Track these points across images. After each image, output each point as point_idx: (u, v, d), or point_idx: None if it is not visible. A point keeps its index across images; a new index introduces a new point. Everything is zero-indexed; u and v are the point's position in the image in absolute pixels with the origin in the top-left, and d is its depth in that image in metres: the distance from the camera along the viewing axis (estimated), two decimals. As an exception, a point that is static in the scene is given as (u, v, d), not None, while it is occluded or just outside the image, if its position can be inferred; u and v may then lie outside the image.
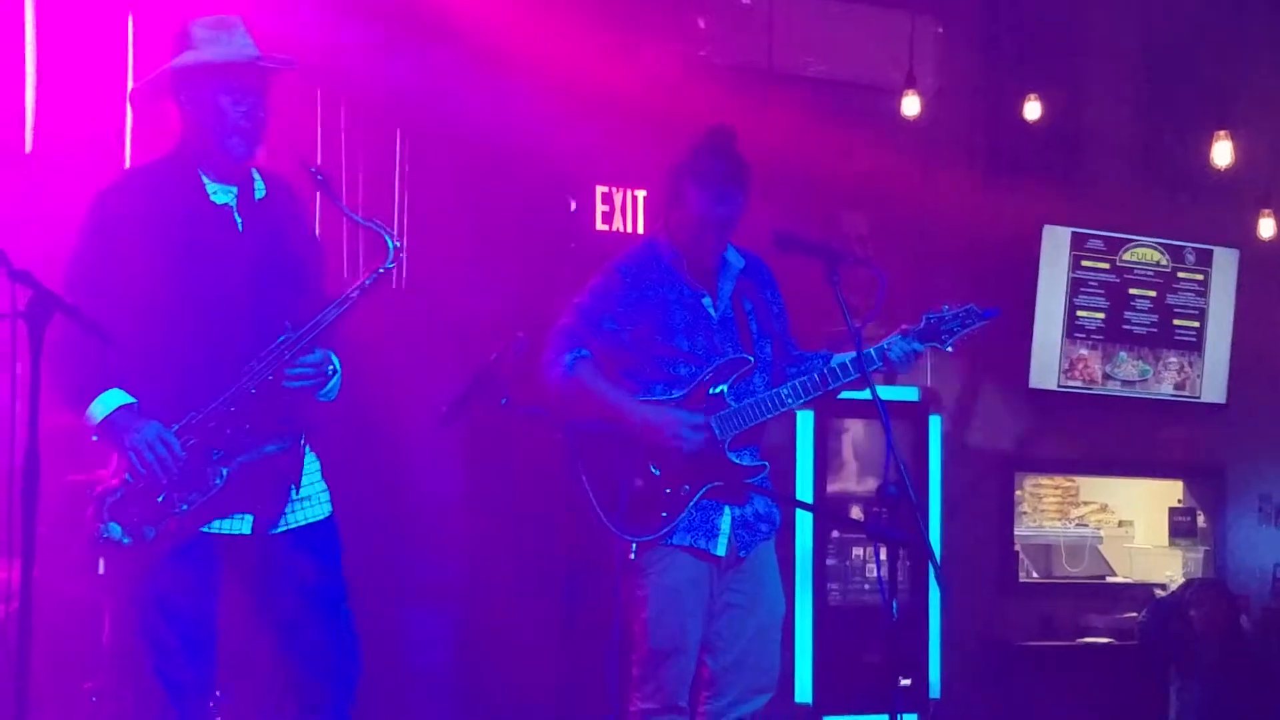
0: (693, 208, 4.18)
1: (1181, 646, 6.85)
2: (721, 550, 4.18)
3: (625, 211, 6.72)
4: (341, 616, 3.70)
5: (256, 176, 3.67)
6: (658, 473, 4.12)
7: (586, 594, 3.68)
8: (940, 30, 6.98)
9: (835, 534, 6.87)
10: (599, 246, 6.47)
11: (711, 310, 4.27)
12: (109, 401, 3.43)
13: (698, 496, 4.13)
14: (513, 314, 5.79)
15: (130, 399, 3.45)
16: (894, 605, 4.18)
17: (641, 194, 6.70)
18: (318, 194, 3.75)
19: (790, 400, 4.20)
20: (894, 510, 3.91)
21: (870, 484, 6.67)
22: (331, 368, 3.63)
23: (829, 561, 6.86)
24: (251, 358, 3.50)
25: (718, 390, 4.20)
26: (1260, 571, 7.68)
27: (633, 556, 4.08)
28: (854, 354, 4.13)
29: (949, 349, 4.28)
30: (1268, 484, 7.84)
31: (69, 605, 4.88)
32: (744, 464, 4.21)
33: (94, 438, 3.45)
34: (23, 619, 3.14)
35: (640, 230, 6.61)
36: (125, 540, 3.42)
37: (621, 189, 6.69)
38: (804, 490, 6.51)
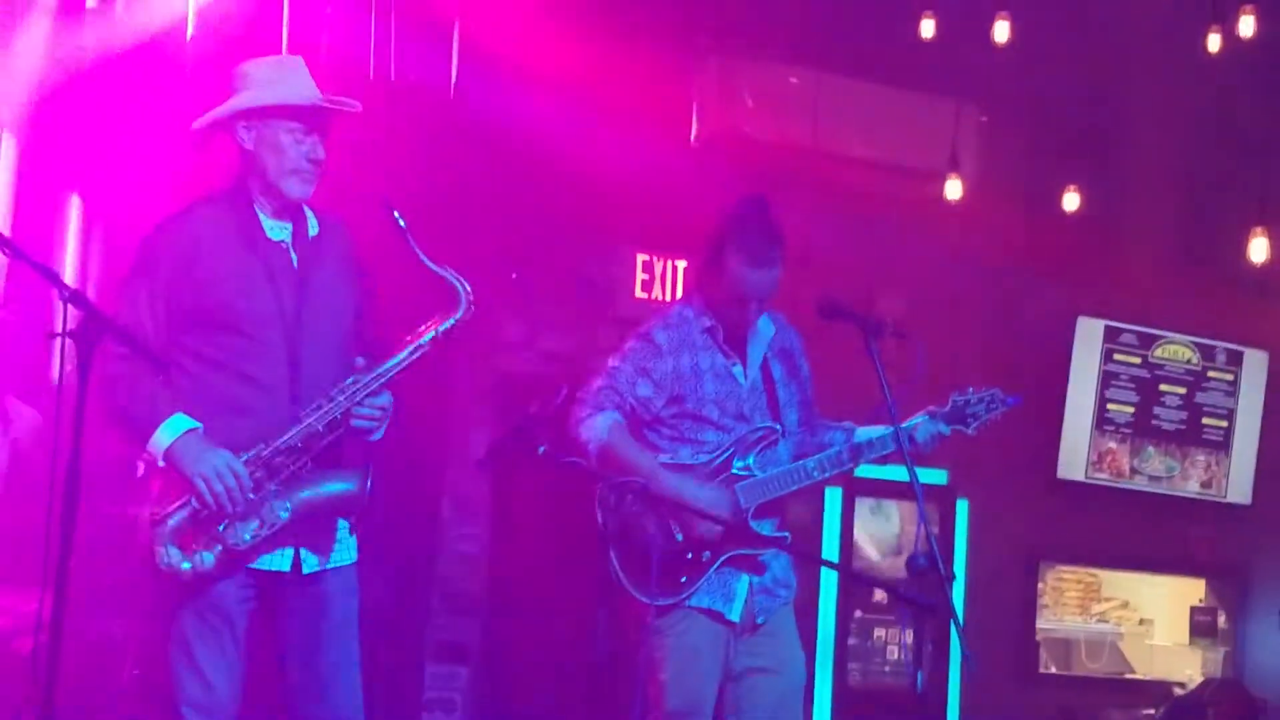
0: (734, 279, 4.21)
1: (1200, 746, 6.81)
2: (736, 616, 4.18)
3: (665, 280, 6.79)
4: (353, 663, 3.69)
5: (309, 214, 3.72)
6: (680, 537, 4.13)
7: (616, 649, 3.68)
8: (984, 119, 7.05)
9: (858, 614, 6.87)
10: (637, 314, 6.54)
11: (742, 379, 4.30)
12: (175, 426, 3.43)
13: (718, 564, 4.15)
14: (549, 375, 5.84)
15: (196, 424, 3.45)
16: (919, 676, 4.20)
17: (682, 264, 6.77)
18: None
19: (816, 474, 4.22)
20: (922, 581, 3.92)
21: (894, 564, 6.68)
22: (390, 412, 3.65)
23: (850, 641, 6.84)
24: (314, 395, 3.53)
25: (743, 463, 4.22)
26: (1278, 675, 7.62)
27: (651, 621, 4.08)
28: (881, 430, 4.16)
29: (972, 432, 4.31)
30: (1291, 588, 7.80)
31: (95, 641, 4.91)
32: (766, 534, 4.22)
33: (160, 463, 3.42)
34: (52, 652, 3.13)
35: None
36: (184, 566, 3.41)
37: (662, 258, 6.76)
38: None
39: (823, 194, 6.59)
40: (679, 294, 6.70)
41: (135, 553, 3.50)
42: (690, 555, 4.13)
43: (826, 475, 4.24)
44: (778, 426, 4.29)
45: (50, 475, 3.18)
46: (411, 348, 3.59)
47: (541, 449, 3.64)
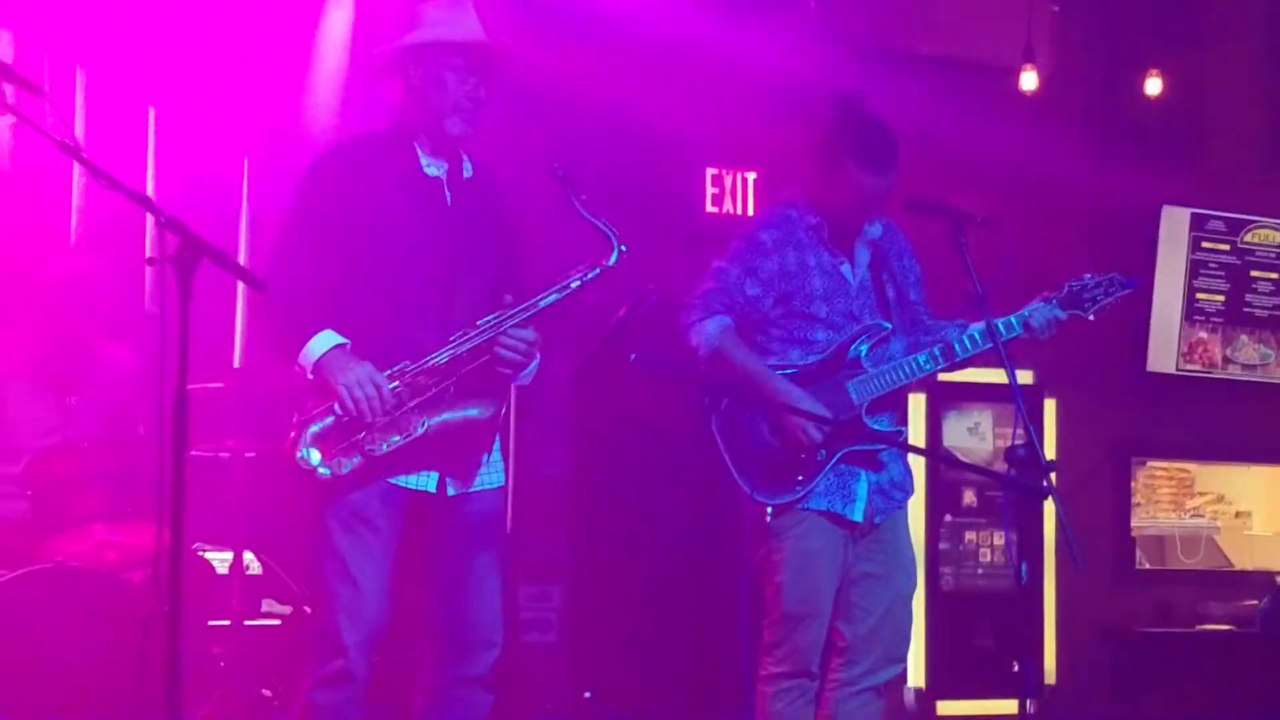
0: (854, 187, 4.15)
1: (1305, 634, 6.75)
2: (859, 516, 4.16)
3: (735, 194, 6.73)
4: (498, 583, 3.79)
5: (465, 157, 3.82)
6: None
7: (719, 556, 3.67)
8: (1056, 9, 6.91)
9: (948, 518, 6.84)
10: (709, 228, 6.49)
11: (850, 277, 4.25)
12: (324, 341, 3.56)
13: (834, 460, 4.12)
14: (622, 291, 5.82)
15: (343, 340, 3.58)
16: (1023, 569, 4.16)
17: (751, 176, 6.71)
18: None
19: (928, 366, 4.19)
20: (1023, 470, 3.88)
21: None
22: (537, 350, 3.72)
23: (942, 546, 6.82)
24: (459, 324, 3.63)
25: (854, 355, 4.18)
26: (1385, 558, 7.54)
27: (769, 519, 4.09)
28: (1004, 319, 4.12)
29: (1091, 317, 4.25)
30: (1390, 470, 7.68)
31: (200, 572, 4.99)
32: (881, 429, 4.19)
33: (310, 376, 3.55)
34: (173, 584, 3.16)
35: (751, 213, 6.60)
36: (323, 469, 3.52)
37: (731, 171, 6.70)
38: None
39: (897, 93, 6.48)
40: (750, 207, 6.65)
41: (279, 460, 3.60)
42: (804, 455, 4.11)
43: (939, 368, 4.21)
44: (888, 324, 4.24)
45: (158, 406, 3.21)
46: (559, 287, 3.68)
47: (633, 356, 3.63)
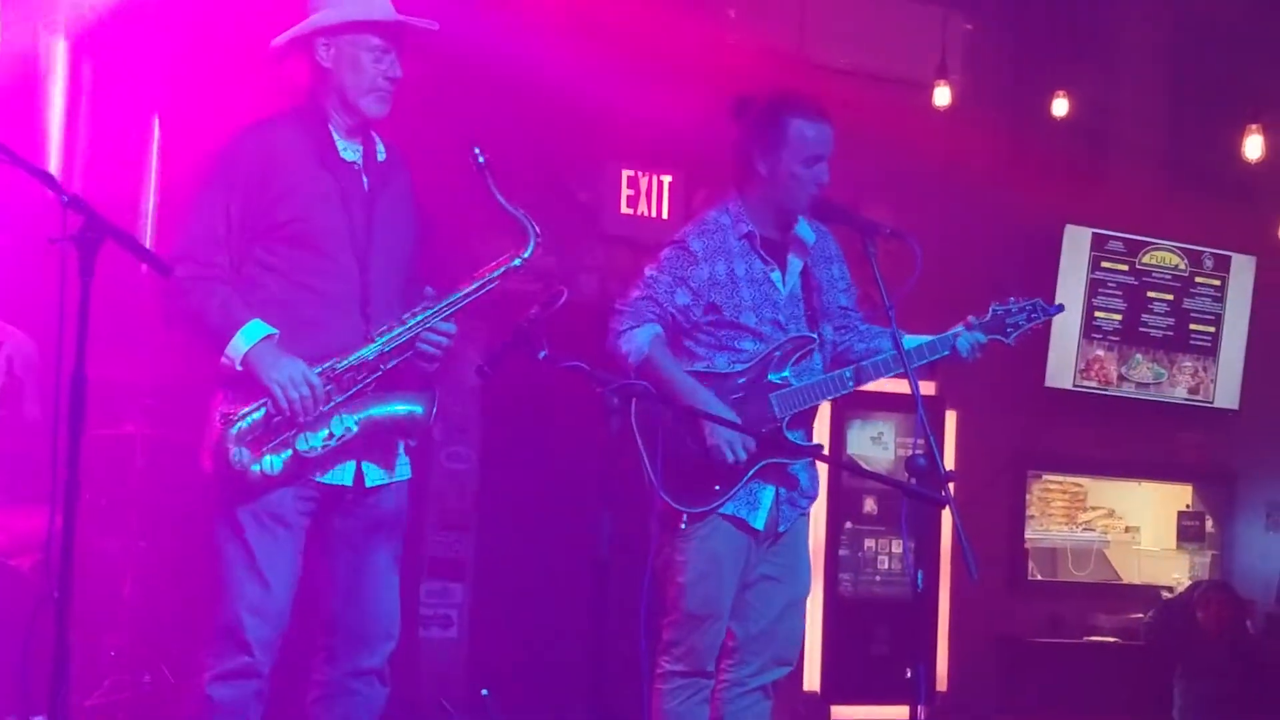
0: (801, 140, 4.15)
1: (1187, 646, 6.88)
2: (760, 524, 4.18)
3: (650, 196, 6.75)
4: (396, 576, 3.75)
5: (377, 138, 3.75)
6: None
7: (621, 555, 3.68)
8: (969, 28, 7.01)
9: (848, 525, 6.91)
10: (623, 230, 6.52)
11: (780, 285, 4.25)
12: (253, 332, 3.47)
13: (752, 473, 4.14)
14: (537, 295, 5.81)
15: (272, 330, 3.50)
16: (919, 576, 4.21)
17: (667, 179, 6.73)
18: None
19: (852, 383, 4.21)
20: (922, 480, 3.93)
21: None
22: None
23: (841, 552, 6.89)
24: (382, 316, 3.58)
25: (780, 374, 4.20)
26: (1266, 578, 7.72)
27: (684, 526, 4.09)
28: (921, 339, 4.16)
29: (1011, 342, 4.32)
30: (1277, 491, 7.87)
31: (94, 560, 4.92)
32: (800, 443, 4.22)
33: (238, 368, 3.46)
34: (64, 569, 3.12)
35: (665, 215, 6.62)
36: (254, 468, 3.45)
37: (647, 174, 6.72)
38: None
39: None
40: (665, 211, 6.67)
41: (203, 452, 3.52)
42: (725, 466, 4.12)
43: (864, 384, 4.23)
44: (814, 336, 4.25)
45: (55, 390, 3.16)
46: (481, 281, 3.64)
47: (542, 354, 3.62)
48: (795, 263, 4.29)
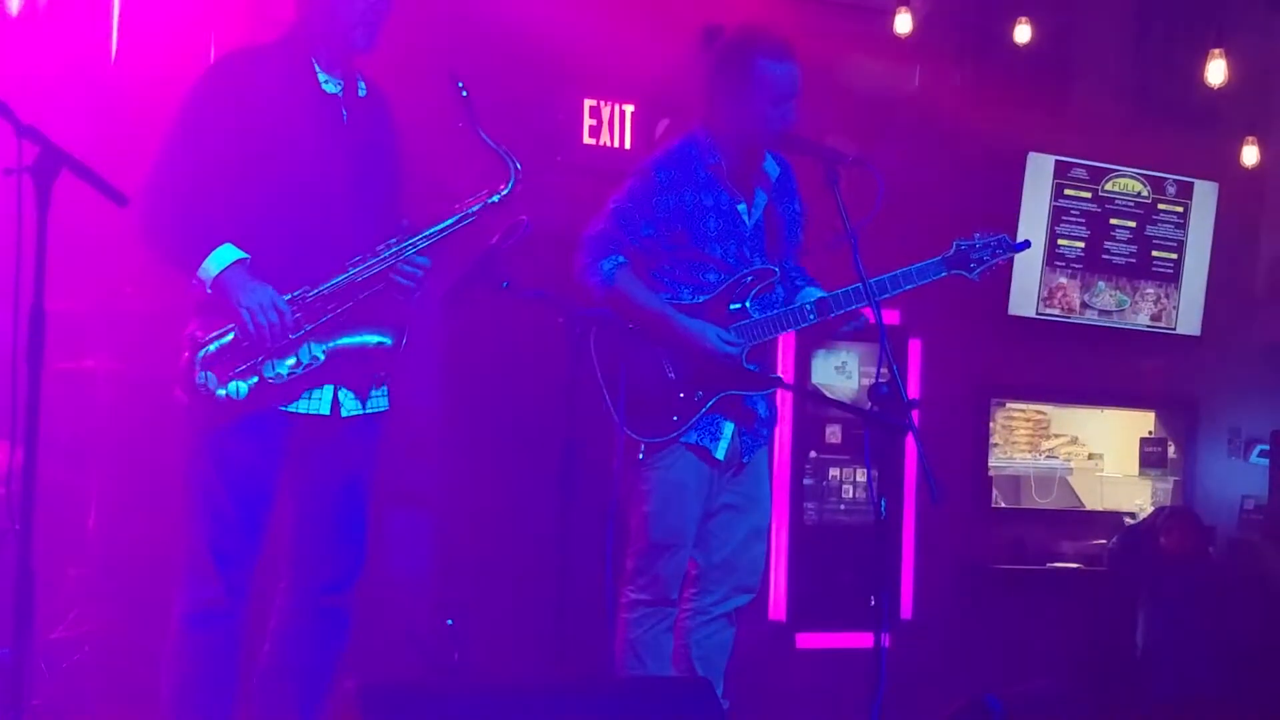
0: (768, 79, 4.14)
1: (1150, 572, 6.95)
2: (721, 455, 4.20)
3: (613, 126, 6.70)
4: (365, 506, 3.76)
5: (359, 74, 3.75)
6: (673, 376, 4.14)
7: (586, 484, 3.70)
8: (932, -49, 6.96)
9: (812, 454, 6.93)
10: (585, 160, 6.48)
11: (745, 218, 4.26)
12: (224, 256, 3.47)
13: (710, 404, 4.15)
14: (500, 220, 5.78)
15: (244, 254, 3.50)
16: (883, 504, 4.26)
17: (629, 109, 6.68)
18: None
19: (812, 316, 4.22)
20: (885, 408, 3.95)
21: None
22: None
23: (806, 481, 6.91)
24: (356, 247, 3.58)
25: (739, 305, 4.21)
26: (1228, 503, 7.79)
27: (641, 456, 4.11)
28: (888, 275, 4.18)
29: (975, 278, 4.33)
30: (1238, 417, 7.93)
31: (56, 492, 4.89)
32: (760, 374, 4.23)
33: (208, 290, 3.47)
34: (25, 503, 3.11)
35: (628, 145, 6.59)
36: (219, 392, 3.46)
37: (610, 103, 6.67)
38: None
39: (775, 30, 6.49)
40: (628, 140, 6.63)
41: (174, 374, 3.53)
42: (683, 394, 4.14)
43: (825, 318, 4.23)
44: (776, 269, 4.27)
45: (14, 324, 3.14)
46: (458, 215, 3.66)
47: (505, 284, 3.62)
48: (760, 196, 4.29)
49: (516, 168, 3.68)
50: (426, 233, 3.63)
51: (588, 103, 6.63)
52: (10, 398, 3.18)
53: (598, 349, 4.08)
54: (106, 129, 4.82)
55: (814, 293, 4.28)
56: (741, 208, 4.25)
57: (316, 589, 3.68)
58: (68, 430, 4.89)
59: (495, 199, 3.68)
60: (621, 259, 4.17)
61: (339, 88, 3.68)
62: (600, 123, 6.67)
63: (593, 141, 6.62)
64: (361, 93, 3.74)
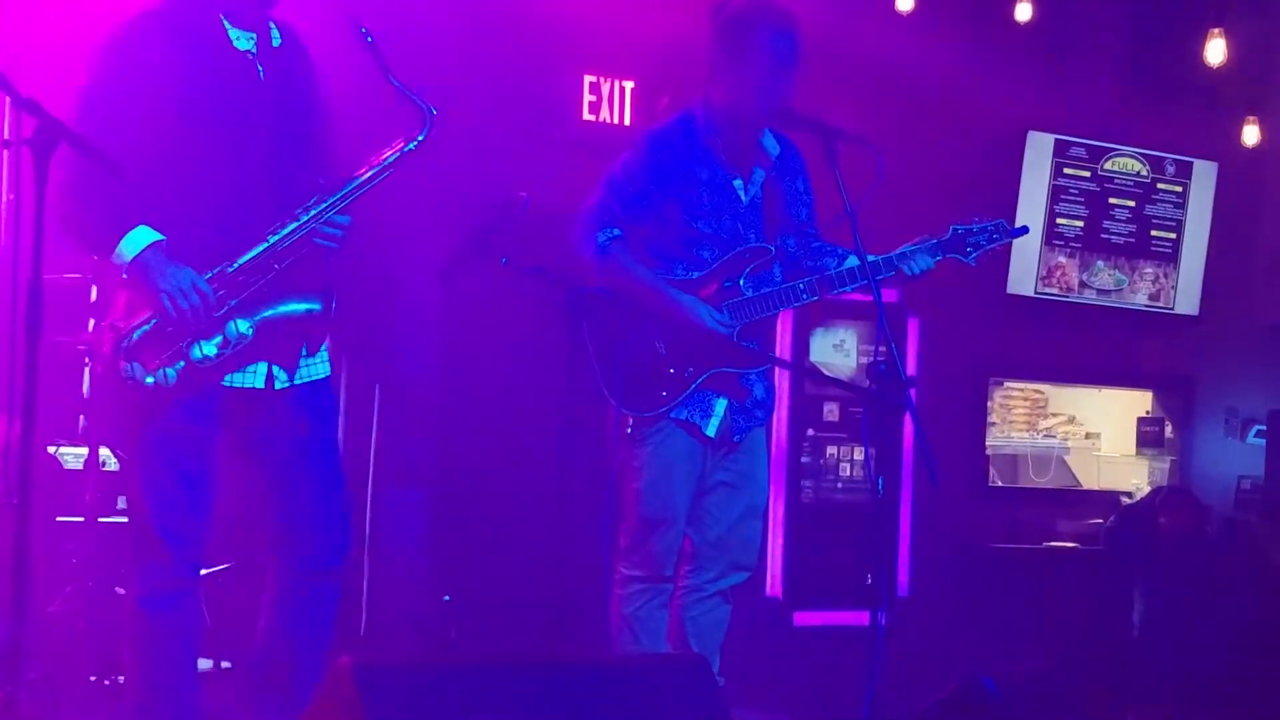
0: (769, 49, 4.13)
1: (1147, 552, 6.95)
2: (712, 432, 4.20)
3: (612, 102, 6.69)
4: (336, 474, 3.70)
5: (272, 25, 3.60)
6: (664, 351, 4.13)
7: (583, 461, 3.70)
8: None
9: (810, 432, 6.93)
10: (585, 136, 6.46)
11: (741, 194, 4.24)
12: (139, 239, 3.36)
13: (700, 380, 4.15)
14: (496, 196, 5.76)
15: (159, 235, 3.38)
16: (880, 482, 4.26)
17: (629, 85, 6.67)
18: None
19: (805, 295, 4.22)
20: (883, 385, 3.94)
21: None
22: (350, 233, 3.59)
23: (803, 459, 6.92)
24: (279, 212, 3.46)
25: (733, 282, 4.19)
26: (1225, 482, 7.78)
27: (629, 430, 4.11)
28: (883, 257, 4.17)
29: (972, 263, 4.32)
30: (1235, 397, 7.92)
31: (54, 467, 4.90)
32: (752, 352, 4.22)
33: (123, 275, 3.37)
34: (23, 476, 3.10)
35: (628, 122, 6.58)
36: (147, 380, 3.37)
37: (609, 79, 6.66)
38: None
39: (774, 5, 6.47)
40: (628, 117, 6.62)
41: (96, 367, 3.45)
42: (673, 370, 4.13)
43: (817, 298, 4.23)
44: (771, 247, 4.25)
45: (12, 297, 3.12)
46: (375, 169, 3.53)
47: (504, 260, 3.61)
48: (758, 173, 4.28)
49: (431, 112, 3.52)
50: (342, 190, 3.49)
51: (588, 79, 6.61)
52: (9, 371, 3.16)
53: (591, 324, 4.08)
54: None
55: (832, 264, 4.27)
56: (737, 183, 4.24)
57: (299, 564, 3.62)
58: (65, 403, 4.90)
59: (411, 146, 3.52)
60: (616, 232, 4.16)
61: (252, 42, 3.53)
62: (600, 99, 6.66)
63: (592, 118, 6.61)
64: (276, 42, 3.58)
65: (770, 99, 4.16)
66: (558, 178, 5.82)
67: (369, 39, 3.47)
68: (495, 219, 3.62)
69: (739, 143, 4.24)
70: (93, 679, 4.69)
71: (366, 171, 3.52)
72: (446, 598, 5.62)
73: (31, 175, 3.03)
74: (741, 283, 4.20)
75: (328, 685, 3.00)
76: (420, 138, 3.54)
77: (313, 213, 3.48)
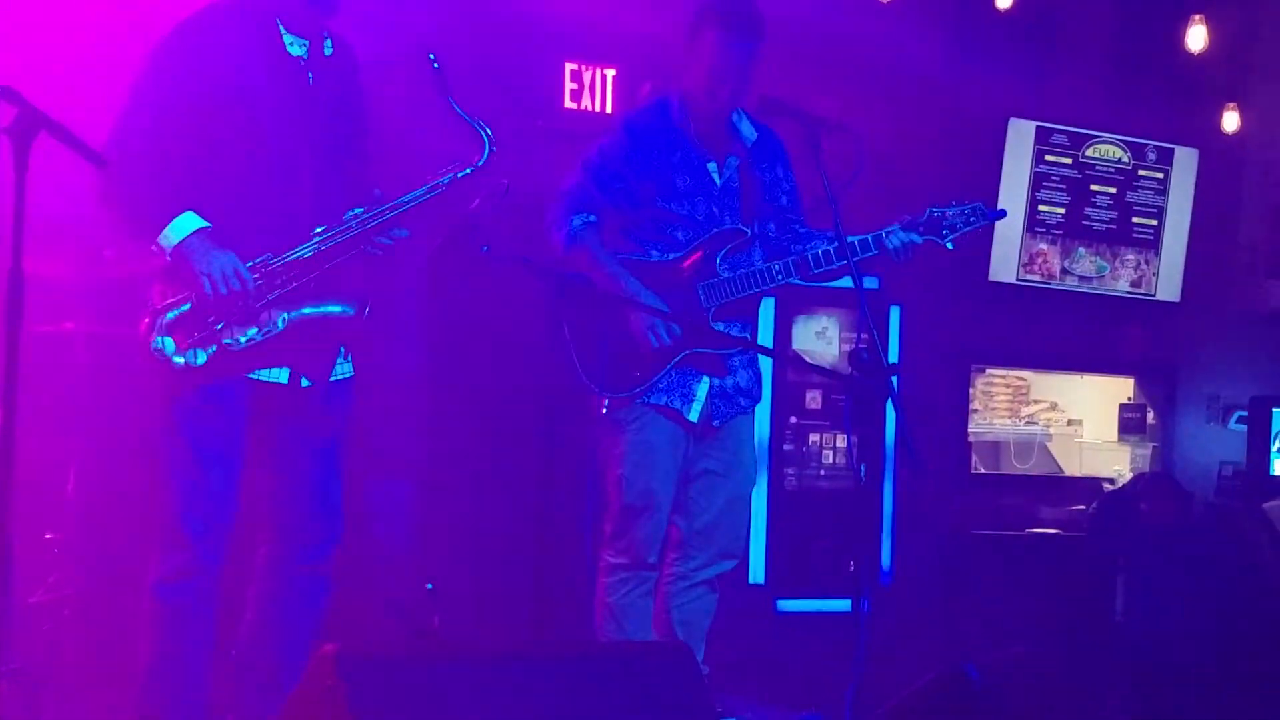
0: (715, 50, 4.14)
1: (1130, 538, 6.97)
2: (694, 417, 4.20)
3: (594, 90, 6.68)
4: (337, 470, 3.76)
5: (327, 36, 3.69)
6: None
7: (569, 450, 3.71)
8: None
9: (792, 419, 6.94)
10: (567, 125, 6.45)
11: (716, 177, 4.26)
12: (185, 224, 3.44)
13: (674, 361, 4.16)
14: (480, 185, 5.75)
15: (206, 223, 3.46)
16: (863, 470, 4.25)
17: (611, 72, 6.66)
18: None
19: (781, 277, 4.23)
20: (865, 373, 3.95)
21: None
22: None
23: (786, 447, 6.92)
24: (317, 213, 3.55)
25: (709, 257, 4.20)
26: (1206, 469, 7.81)
27: (604, 411, 4.12)
28: (860, 237, 4.17)
29: (950, 246, 4.32)
30: (1217, 383, 7.95)
31: (34, 456, 4.87)
32: (727, 334, 4.22)
33: (168, 259, 3.44)
34: (3, 466, 3.10)
35: (609, 109, 6.57)
36: (177, 359, 3.44)
37: (591, 67, 6.65)
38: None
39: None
40: (609, 104, 6.61)
41: (133, 344, 3.52)
42: (646, 352, 4.14)
43: (792, 279, 4.24)
44: (747, 230, 4.26)
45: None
46: (428, 186, 3.63)
47: (485, 248, 3.61)
48: (733, 157, 4.28)
49: (490, 139, 3.65)
50: (393, 203, 3.60)
51: (569, 66, 6.60)
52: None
53: (569, 308, 4.09)
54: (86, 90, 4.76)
55: (817, 245, 4.27)
56: (711, 166, 4.26)
57: (294, 557, 3.68)
58: (48, 393, 4.87)
59: (467, 172, 3.65)
60: (591, 217, 4.18)
61: (304, 49, 3.63)
62: (581, 86, 6.65)
63: (574, 106, 6.59)
64: (328, 51, 3.68)
65: (715, 99, 4.18)
66: (540, 165, 5.80)
67: (435, 65, 3.57)
68: (477, 207, 3.62)
69: (710, 128, 4.26)
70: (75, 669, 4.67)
71: (419, 189, 3.64)
72: (430, 586, 5.62)
73: (11, 164, 3.02)
74: (718, 262, 4.21)
75: (311, 674, 3.00)
76: (480, 163, 3.67)
77: (360, 220, 3.57)
